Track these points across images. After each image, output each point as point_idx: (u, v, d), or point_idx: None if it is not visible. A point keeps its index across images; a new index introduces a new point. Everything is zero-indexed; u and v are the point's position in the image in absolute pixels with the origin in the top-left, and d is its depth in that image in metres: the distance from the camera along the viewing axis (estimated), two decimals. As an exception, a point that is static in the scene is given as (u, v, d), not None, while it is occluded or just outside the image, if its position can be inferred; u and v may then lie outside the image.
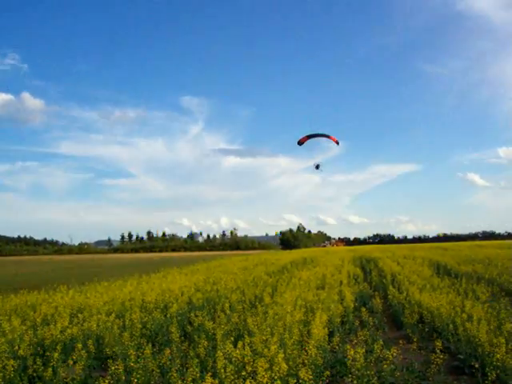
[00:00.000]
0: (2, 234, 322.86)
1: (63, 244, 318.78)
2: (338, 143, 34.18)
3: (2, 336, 14.90)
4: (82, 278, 42.21)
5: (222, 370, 10.69)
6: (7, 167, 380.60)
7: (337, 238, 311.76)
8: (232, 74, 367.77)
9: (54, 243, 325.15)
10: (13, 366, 11.57)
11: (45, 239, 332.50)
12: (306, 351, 12.51)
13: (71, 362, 12.44)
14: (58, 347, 13.63)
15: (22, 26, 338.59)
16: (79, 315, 18.43)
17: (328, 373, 11.81)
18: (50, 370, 11.43)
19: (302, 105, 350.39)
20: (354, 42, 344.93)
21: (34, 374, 12.35)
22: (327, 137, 34.14)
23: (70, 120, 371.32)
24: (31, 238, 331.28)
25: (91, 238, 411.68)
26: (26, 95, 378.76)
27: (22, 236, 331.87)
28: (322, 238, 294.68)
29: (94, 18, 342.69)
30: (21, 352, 13.46)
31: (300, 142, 33.88)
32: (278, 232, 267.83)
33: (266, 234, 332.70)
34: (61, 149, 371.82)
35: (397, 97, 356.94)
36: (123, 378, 11.46)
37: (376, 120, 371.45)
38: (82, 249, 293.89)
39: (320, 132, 34.68)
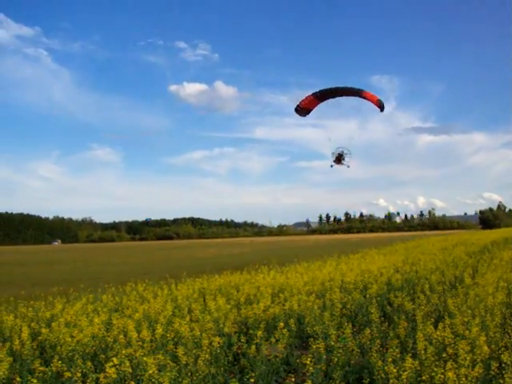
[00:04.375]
0: (205, 217, 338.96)
1: (262, 226, 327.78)
2: (381, 106, 23.04)
3: (207, 314, 15.60)
4: (282, 259, 43.05)
5: (423, 352, 10.54)
6: (206, 153, 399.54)
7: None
8: (421, 50, 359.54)
9: (253, 225, 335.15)
10: (218, 343, 12.07)
11: (245, 222, 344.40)
12: (508, 334, 12.07)
13: (274, 340, 12.78)
14: (261, 325, 14.09)
15: (210, 16, 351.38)
16: (280, 295, 18.85)
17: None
18: (254, 347, 11.80)
19: (494, 78, 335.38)
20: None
21: (239, 351, 12.83)
22: (356, 93, 23.07)
23: (263, 105, 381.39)
24: (232, 221, 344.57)
25: (289, 219, 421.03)
26: (218, 84, 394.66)
27: (224, 219, 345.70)
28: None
29: (278, 4, 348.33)
30: (225, 330, 14.02)
31: (302, 109, 24.00)
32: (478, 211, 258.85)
33: (465, 214, 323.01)
34: (256, 134, 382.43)
35: None
36: (324, 356, 11.63)
37: None
38: (281, 231, 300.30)
39: (342, 86, 23.29)
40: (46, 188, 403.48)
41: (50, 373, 10.64)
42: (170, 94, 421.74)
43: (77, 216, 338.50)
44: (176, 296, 19.43)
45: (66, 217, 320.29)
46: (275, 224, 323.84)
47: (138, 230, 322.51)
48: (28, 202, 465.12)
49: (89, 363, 10.94)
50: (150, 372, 9.46)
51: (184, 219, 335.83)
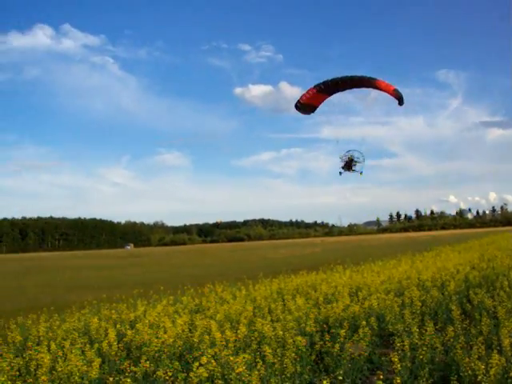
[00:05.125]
0: (275, 218, 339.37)
1: (333, 226, 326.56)
2: (398, 98, 19.55)
3: (288, 314, 15.76)
4: (355, 258, 43.03)
5: (508, 348, 10.48)
6: (273, 154, 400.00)
7: None
8: (488, 44, 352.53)
9: (324, 225, 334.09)
10: (300, 342, 12.20)
11: (315, 222, 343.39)
12: None
13: (356, 339, 12.84)
14: (345, 324, 14.16)
15: (273, 17, 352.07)
16: (359, 294, 18.87)
17: None
18: (338, 345, 11.90)
19: None
20: None
21: (322, 350, 12.92)
22: (368, 83, 19.73)
23: (329, 104, 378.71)
24: (302, 222, 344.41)
25: (360, 219, 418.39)
26: (283, 84, 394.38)
27: (294, 220, 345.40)
28: None
29: (340, 2, 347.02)
30: (307, 329, 14.15)
31: (303, 105, 20.68)
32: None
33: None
34: (322, 133, 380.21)
35: None
36: (408, 354, 11.63)
37: None
38: (352, 230, 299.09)
39: (349, 75, 19.78)
40: (117, 193, 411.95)
41: (139, 373, 10.97)
42: (235, 96, 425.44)
43: (148, 220, 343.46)
44: (255, 296, 19.66)
45: (137, 221, 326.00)
46: (345, 223, 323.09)
47: (208, 233, 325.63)
48: (100, 207, 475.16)
49: (176, 363, 11.20)
50: (238, 371, 9.65)
51: (254, 221, 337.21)
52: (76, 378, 10.36)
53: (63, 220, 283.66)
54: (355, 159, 20.65)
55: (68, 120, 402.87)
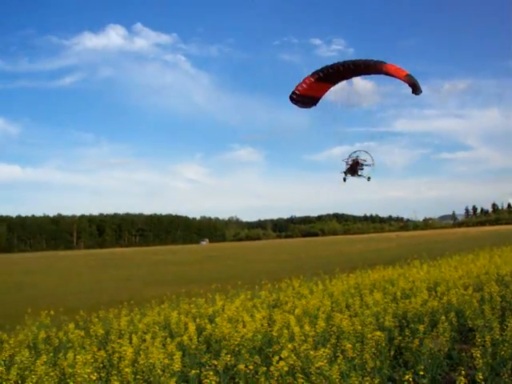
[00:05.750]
0: (350, 213, 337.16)
1: (408, 220, 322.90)
2: (412, 84, 16.62)
3: (366, 309, 15.73)
4: (431, 252, 42.49)
5: None
6: (347, 149, 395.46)
7: None
8: None
9: (399, 220, 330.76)
10: (379, 337, 12.15)
11: (390, 216, 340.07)
12: None
13: (435, 334, 12.72)
14: (425, 319, 14.05)
15: (343, 11, 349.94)
16: (438, 289, 18.65)
17: None
18: (417, 341, 11.81)
19: None
20: None
21: (401, 345, 12.84)
22: (374, 68, 17.29)
23: (402, 97, 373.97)
24: (377, 216, 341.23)
25: (434, 213, 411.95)
26: (355, 78, 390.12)
27: (368, 214, 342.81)
28: None
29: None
30: (386, 324, 14.08)
31: (300, 96, 18.43)
32: None
33: None
34: (396, 127, 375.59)
35: None
36: (490, 350, 11.46)
37: None
38: (427, 224, 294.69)
39: (354, 59, 17.52)
40: (192, 189, 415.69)
41: (220, 366, 11.14)
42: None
43: (222, 215, 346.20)
44: (332, 291, 19.63)
45: (212, 216, 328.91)
46: (420, 218, 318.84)
47: (283, 228, 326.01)
48: (175, 203, 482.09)
49: (256, 357, 11.33)
50: (318, 365, 9.71)
51: (328, 215, 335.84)
52: (158, 370, 10.59)
53: (139, 216, 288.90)
54: (361, 162, 18.58)
55: (142, 118, 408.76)
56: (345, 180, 18.47)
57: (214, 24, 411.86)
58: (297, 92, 18.33)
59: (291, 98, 18.58)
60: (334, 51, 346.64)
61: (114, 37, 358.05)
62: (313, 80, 18.06)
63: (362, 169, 18.48)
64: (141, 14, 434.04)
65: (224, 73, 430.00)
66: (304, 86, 18.20)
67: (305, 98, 18.69)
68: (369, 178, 18.40)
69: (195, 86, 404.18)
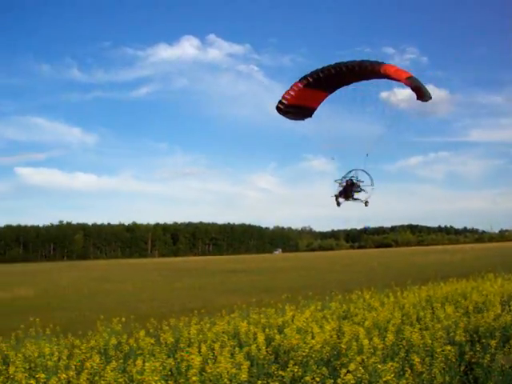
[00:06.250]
0: (424, 224, 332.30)
1: (483, 232, 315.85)
2: (415, 88, 14.71)
3: (437, 322, 15.48)
4: (507, 265, 41.49)
5: None
6: (420, 159, 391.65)
7: None
8: None
9: (474, 231, 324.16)
10: (449, 351, 11.95)
11: (465, 228, 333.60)
12: None
13: (507, 350, 12.45)
14: (497, 334, 13.74)
15: (416, 19, 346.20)
16: (511, 303, 18.26)
17: None
18: (488, 356, 11.58)
19: None
20: None
21: (471, 360, 12.60)
22: (372, 72, 15.31)
23: (477, 107, 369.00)
24: (451, 227, 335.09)
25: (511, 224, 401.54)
26: (429, 87, 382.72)
27: (443, 226, 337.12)
28: None
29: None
30: (457, 338, 13.83)
31: (289, 106, 16.29)
32: None
33: None
34: (471, 136, 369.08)
35: None
36: None
37: None
38: (503, 236, 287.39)
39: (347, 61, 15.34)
40: (265, 199, 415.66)
41: (287, 377, 11.15)
42: (380, 100, 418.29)
43: (294, 225, 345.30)
44: (403, 304, 19.41)
45: (285, 226, 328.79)
46: (496, 229, 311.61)
47: (356, 238, 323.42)
48: (248, 213, 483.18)
49: (323, 369, 11.29)
50: (386, 379, 9.63)
51: (402, 226, 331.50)
52: (225, 380, 10.66)
53: (213, 225, 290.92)
54: (357, 183, 16.31)
55: (215, 127, 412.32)
56: (338, 205, 16.41)
57: (286, 34, 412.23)
58: (284, 101, 16.24)
59: (278, 109, 16.49)
60: (407, 60, 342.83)
61: (187, 48, 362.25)
62: (301, 86, 16.03)
63: (359, 191, 16.38)
64: (214, 25, 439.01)
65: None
66: (292, 93, 16.13)
67: (295, 109, 16.67)
68: (366, 203, 16.42)
69: (268, 96, 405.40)
